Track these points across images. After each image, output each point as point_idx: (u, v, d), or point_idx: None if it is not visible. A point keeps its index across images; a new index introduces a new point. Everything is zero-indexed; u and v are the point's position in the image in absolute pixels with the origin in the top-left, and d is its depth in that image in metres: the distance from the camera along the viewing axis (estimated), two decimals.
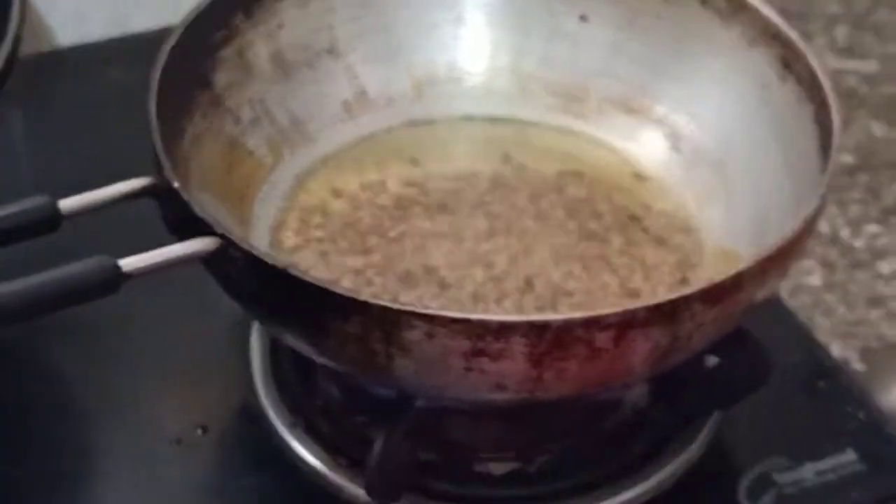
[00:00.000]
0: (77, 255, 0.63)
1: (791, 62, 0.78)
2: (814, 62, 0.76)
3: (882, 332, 1.04)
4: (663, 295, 0.64)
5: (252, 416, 0.77)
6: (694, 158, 0.83)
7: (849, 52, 1.30)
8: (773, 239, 0.68)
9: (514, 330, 0.61)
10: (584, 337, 0.62)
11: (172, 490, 0.76)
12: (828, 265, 1.09)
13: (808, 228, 0.68)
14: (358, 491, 0.72)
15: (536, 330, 0.62)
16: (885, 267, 1.09)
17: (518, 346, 0.62)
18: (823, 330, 1.04)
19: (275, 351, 0.79)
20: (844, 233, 1.12)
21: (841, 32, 1.32)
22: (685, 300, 0.63)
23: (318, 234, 0.79)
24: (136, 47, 0.97)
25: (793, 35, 0.78)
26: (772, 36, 0.79)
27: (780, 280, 0.70)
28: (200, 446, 0.77)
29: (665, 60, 0.84)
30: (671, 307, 0.63)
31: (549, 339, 0.62)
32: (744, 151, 0.81)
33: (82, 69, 1.03)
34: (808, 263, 1.09)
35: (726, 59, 0.82)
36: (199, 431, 0.77)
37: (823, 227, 1.12)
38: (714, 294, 0.64)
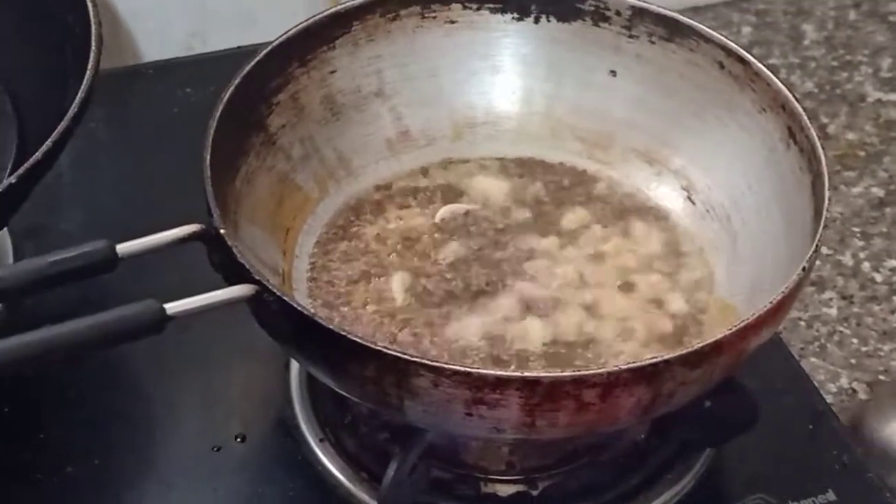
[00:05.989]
0: (129, 293, 0.69)
1: (795, 132, 0.83)
2: (814, 136, 0.81)
3: (892, 366, 1.07)
4: (646, 358, 0.70)
5: (286, 429, 0.85)
6: (705, 211, 0.88)
7: (892, 83, 1.32)
8: (768, 296, 0.74)
9: (509, 384, 0.68)
10: (573, 392, 0.69)
11: (208, 491, 0.83)
12: (846, 297, 1.13)
13: (787, 301, 0.74)
14: None
15: (529, 385, 0.69)
16: None
17: (513, 397, 0.69)
18: (834, 360, 1.08)
19: None
20: (866, 266, 1.15)
21: (886, 63, 1.34)
22: (665, 364, 0.70)
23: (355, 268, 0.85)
24: (213, 67, 1.04)
25: (799, 108, 0.83)
26: (781, 106, 0.84)
27: (761, 342, 0.75)
28: (237, 454, 0.84)
29: (685, 116, 0.90)
30: (653, 369, 0.69)
31: (540, 393, 0.69)
32: (749, 209, 0.86)
33: (159, 87, 1.09)
34: (827, 294, 1.13)
35: (740, 121, 0.87)
36: (238, 440, 0.85)
37: (846, 259, 1.16)
38: (693, 359, 0.71)
